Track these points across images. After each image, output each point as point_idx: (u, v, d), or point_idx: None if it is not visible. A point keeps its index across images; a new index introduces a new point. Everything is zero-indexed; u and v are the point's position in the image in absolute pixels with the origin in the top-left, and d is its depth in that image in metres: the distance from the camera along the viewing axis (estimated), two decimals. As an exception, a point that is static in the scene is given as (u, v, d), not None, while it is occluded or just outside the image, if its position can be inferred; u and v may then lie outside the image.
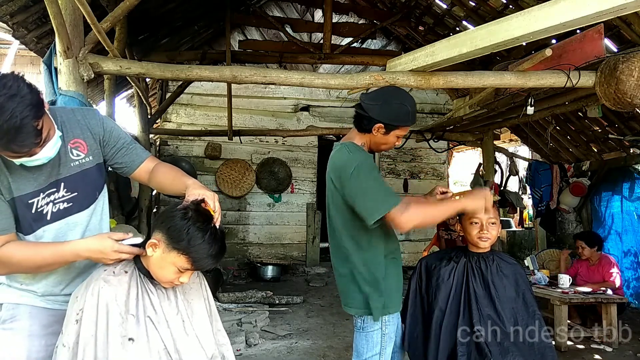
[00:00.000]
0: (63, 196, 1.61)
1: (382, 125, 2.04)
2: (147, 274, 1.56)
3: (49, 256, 1.51)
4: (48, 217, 1.59)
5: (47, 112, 1.43)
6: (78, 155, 1.63)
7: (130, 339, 1.44)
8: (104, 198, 1.77)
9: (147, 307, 1.52)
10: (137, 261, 1.57)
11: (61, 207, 1.61)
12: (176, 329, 1.54)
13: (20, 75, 1.37)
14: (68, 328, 1.45)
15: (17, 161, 1.44)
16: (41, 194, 1.56)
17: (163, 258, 1.48)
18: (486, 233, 2.11)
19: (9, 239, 1.51)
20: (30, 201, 1.54)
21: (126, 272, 1.54)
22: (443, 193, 2.29)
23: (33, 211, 1.55)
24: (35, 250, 1.52)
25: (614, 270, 5.06)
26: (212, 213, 1.51)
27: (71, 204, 1.63)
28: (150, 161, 1.79)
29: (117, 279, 1.51)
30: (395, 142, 2.15)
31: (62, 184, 1.60)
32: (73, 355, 1.42)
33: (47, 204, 1.58)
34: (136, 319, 1.48)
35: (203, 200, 1.52)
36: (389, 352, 2.13)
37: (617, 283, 4.98)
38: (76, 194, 1.64)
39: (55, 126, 1.50)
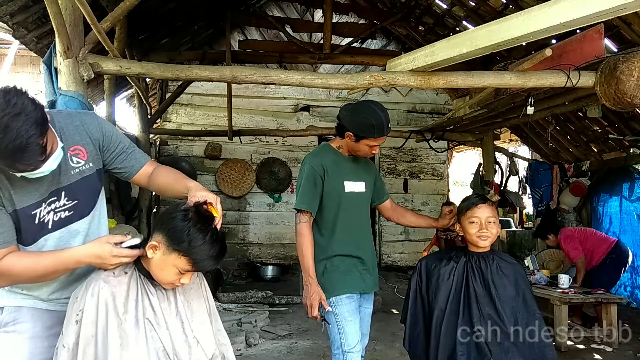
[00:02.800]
0: (64, 204, 1.59)
1: (352, 134, 2.30)
2: (147, 275, 1.55)
3: (49, 265, 1.49)
4: (49, 226, 1.57)
5: (50, 125, 1.40)
6: (78, 162, 1.61)
7: (128, 341, 1.44)
8: (101, 202, 1.75)
9: (146, 309, 1.52)
10: (138, 262, 1.56)
11: (62, 216, 1.59)
12: (175, 330, 1.54)
13: (24, 90, 1.34)
14: (68, 329, 1.45)
15: (19, 174, 1.42)
16: (43, 204, 1.54)
17: (163, 260, 1.48)
18: (485, 232, 2.11)
19: (10, 251, 1.48)
20: (33, 212, 1.52)
21: (126, 273, 1.54)
22: (450, 212, 2.41)
23: (36, 222, 1.53)
24: (36, 260, 1.49)
25: (570, 244, 5.16)
26: (216, 214, 1.51)
27: (72, 212, 1.62)
28: (150, 165, 1.78)
29: (117, 279, 1.51)
30: (369, 151, 2.35)
31: (63, 192, 1.58)
32: (73, 356, 1.42)
33: (49, 212, 1.56)
34: (135, 320, 1.48)
35: (205, 203, 1.51)
36: (351, 331, 2.26)
37: (573, 257, 5.11)
38: (77, 201, 1.62)
39: (58, 138, 1.47)
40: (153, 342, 1.49)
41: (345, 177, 2.39)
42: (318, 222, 2.37)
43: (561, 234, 5.30)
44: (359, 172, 2.47)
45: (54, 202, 1.57)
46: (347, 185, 2.38)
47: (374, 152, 2.35)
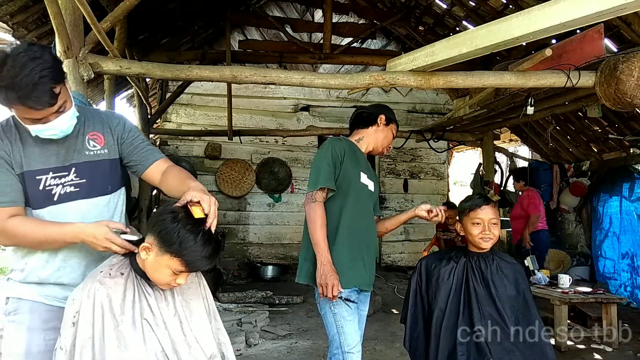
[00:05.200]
0: (72, 180, 1.67)
1: (384, 117, 2.53)
2: (143, 276, 1.55)
3: (49, 233, 1.57)
4: (55, 198, 1.64)
5: (66, 85, 1.53)
6: (94, 146, 1.72)
7: (125, 342, 1.44)
8: (119, 198, 1.80)
9: (144, 310, 1.51)
10: (134, 263, 1.56)
11: (68, 190, 1.66)
12: (174, 330, 1.54)
13: (48, 47, 1.52)
14: (65, 331, 1.45)
15: (32, 128, 1.51)
16: (50, 172, 1.63)
17: (157, 261, 1.47)
18: (488, 233, 2.11)
19: (17, 212, 1.57)
20: (37, 177, 1.61)
21: (122, 274, 1.54)
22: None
23: (40, 188, 1.62)
24: (39, 227, 1.58)
25: (532, 202, 5.77)
26: (200, 214, 1.47)
27: (78, 189, 1.68)
28: (164, 162, 1.82)
29: (113, 281, 1.50)
30: (391, 140, 2.59)
31: (73, 168, 1.67)
32: (70, 358, 1.41)
33: (57, 185, 1.64)
34: (132, 321, 1.48)
35: (198, 203, 1.49)
36: (350, 331, 2.25)
37: (531, 211, 5.73)
38: (85, 180, 1.69)
39: (73, 102, 1.57)
40: (151, 343, 1.48)
41: (362, 169, 2.44)
42: (327, 206, 2.34)
43: (530, 193, 5.87)
44: (371, 173, 2.53)
45: (63, 176, 1.65)
46: (363, 177, 2.42)
47: (389, 148, 2.62)
